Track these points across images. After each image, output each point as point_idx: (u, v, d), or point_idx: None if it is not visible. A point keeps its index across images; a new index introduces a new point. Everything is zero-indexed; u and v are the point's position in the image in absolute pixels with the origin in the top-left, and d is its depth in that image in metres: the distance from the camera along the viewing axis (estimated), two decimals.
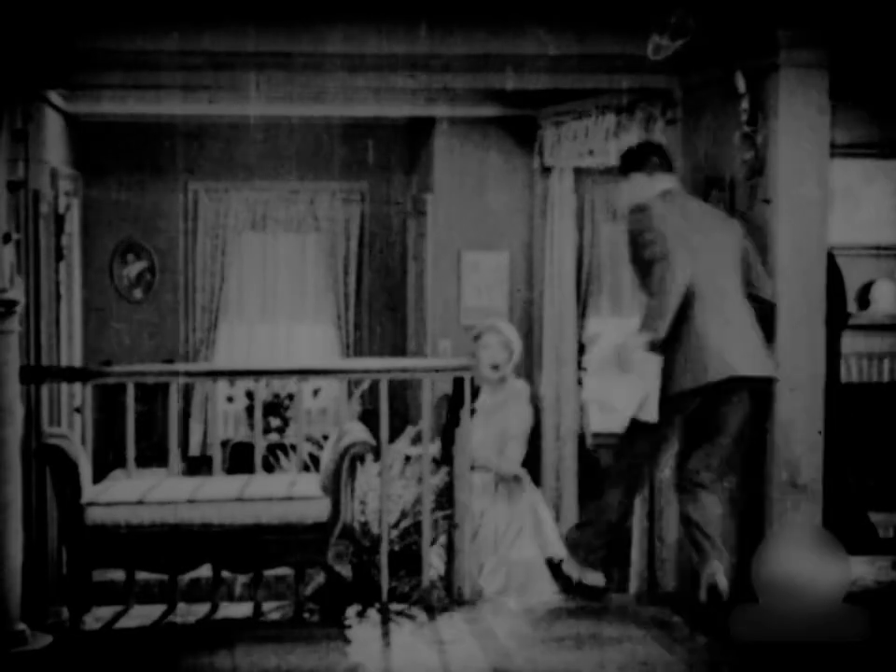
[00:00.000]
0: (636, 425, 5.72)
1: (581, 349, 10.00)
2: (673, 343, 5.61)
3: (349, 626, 5.49)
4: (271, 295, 11.13)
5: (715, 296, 5.66)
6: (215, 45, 6.37)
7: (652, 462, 6.03)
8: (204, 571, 5.67)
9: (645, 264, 5.56)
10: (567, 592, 5.91)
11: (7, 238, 5.16)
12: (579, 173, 9.66)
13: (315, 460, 6.53)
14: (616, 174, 6.07)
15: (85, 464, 5.49)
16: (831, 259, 6.18)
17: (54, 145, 8.72)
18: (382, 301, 11.11)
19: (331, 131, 10.83)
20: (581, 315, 10.16)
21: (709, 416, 5.70)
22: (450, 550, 5.94)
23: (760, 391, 5.81)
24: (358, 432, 5.62)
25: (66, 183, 9.11)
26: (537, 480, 9.62)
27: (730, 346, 5.62)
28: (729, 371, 5.58)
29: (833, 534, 5.07)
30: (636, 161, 5.93)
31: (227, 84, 7.39)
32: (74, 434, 5.89)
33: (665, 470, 7.16)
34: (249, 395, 9.96)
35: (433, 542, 6.16)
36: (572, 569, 5.86)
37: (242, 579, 6.63)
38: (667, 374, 5.65)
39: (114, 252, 10.85)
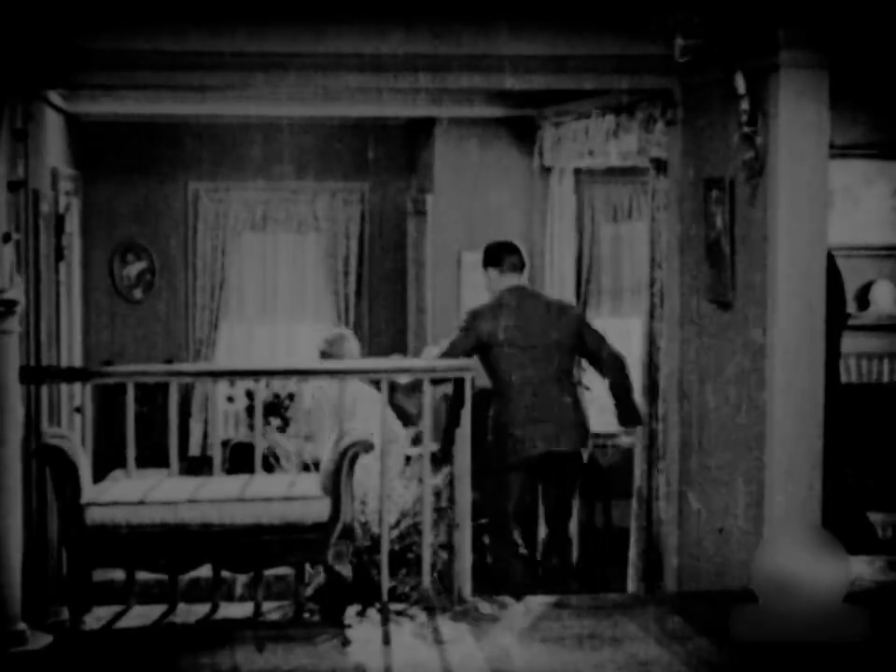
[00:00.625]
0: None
1: None
2: (494, 423, 6.95)
3: (349, 626, 5.49)
4: (271, 295, 11.12)
5: (536, 383, 6.90)
6: (215, 45, 6.38)
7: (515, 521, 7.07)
8: (204, 571, 5.68)
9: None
10: None
11: (7, 238, 5.17)
12: (579, 173, 9.66)
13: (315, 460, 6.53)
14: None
15: (85, 464, 5.49)
16: (830, 259, 6.19)
17: (54, 144, 8.72)
18: (382, 301, 11.11)
19: (331, 131, 10.83)
20: None
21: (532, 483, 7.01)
22: (450, 550, 5.94)
23: (574, 460, 7.09)
24: (359, 432, 5.62)
25: (66, 183, 9.11)
26: None
27: (544, 426, 6.91)
28: (543, 448, 6.90)
29: (832, 534, 5.07)
30: (492, 258, 7.18)
31: (228, 84, 7.39)
32: (74, 434, 5.89)
33: (664, 474, 7.17)
34: (249, 395, 9.95)
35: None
36: None
37: (242, 579, 6.62)
38: (494, 451, 6.95)
39: (114, 252, 10.84)
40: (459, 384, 5.88)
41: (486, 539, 7.00)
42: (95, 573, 5.52)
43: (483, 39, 6.49)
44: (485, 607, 5.79)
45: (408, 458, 6.64)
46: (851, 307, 8.37)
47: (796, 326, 5.92)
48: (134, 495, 5.44)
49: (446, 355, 6.87)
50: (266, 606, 5.79)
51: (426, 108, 9.59)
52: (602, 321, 10.49)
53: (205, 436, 10.68)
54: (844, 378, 8.08)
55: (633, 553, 7.60)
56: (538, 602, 5.91)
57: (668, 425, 7.12)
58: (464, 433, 5.84)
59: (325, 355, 8.13)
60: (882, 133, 8.60)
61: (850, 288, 8.23)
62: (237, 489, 5.54)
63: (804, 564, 4.92)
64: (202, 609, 5.76)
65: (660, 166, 7.27)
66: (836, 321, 6.61)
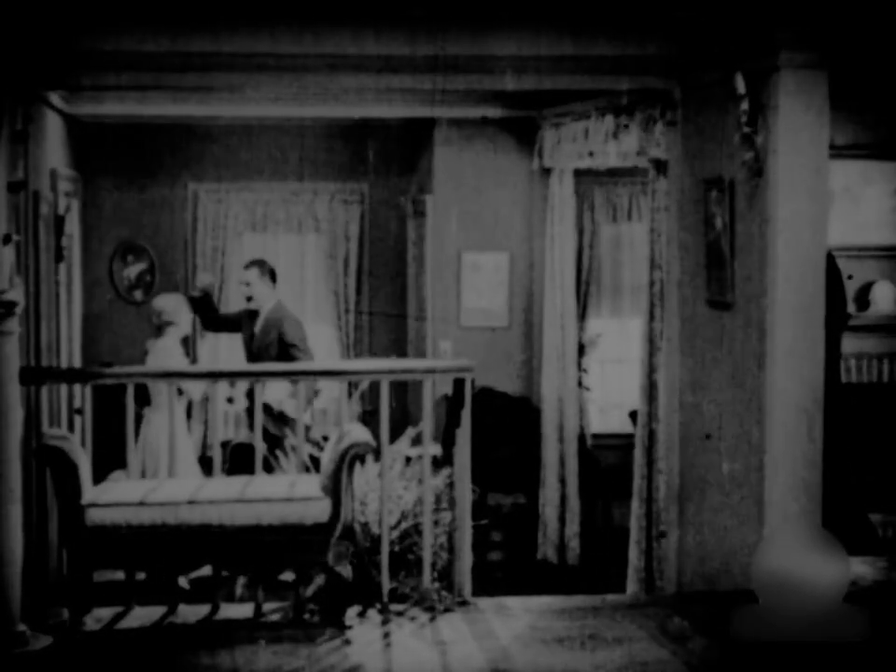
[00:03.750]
0: None
1: (582, 350, 10.02)
2: None
3: (349, 627, 5.49)
4: None
5: None
6: (215, 46, 6.37)
7: None
8: (205, 572, 5.68)
9: None
10: None
11: (7, 239, 5.17)
12: (578, 174, 9.66)
13: (316, 461, 6.53)
14: None
15: (85, 465, 5.49)
16: (830, 259, 6.18)
17: (54, 146, 8.72)
18: (382, 301, 11.11)
19: (331, 132, 10.83)
20: (581, 315, 10.17)
21: None
22: (451, 550, 5.94)
23: None
24: (359, 433, 5.62)
25: (66, 184, 9.11)
26: (537, 480, 9.66)
27: None
28: None
29: (832, 534, 5.07)
30: (273, 275, 8.94)
31: (227, 85, 7.39)
32: (74, 435, 5.89)
33: (663, 474, 7.17)
34: (249, 396, 9.95)
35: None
36: None
37: (242, 579, 6.63)
38: None
39: (114, 253, 10.84)
40: (459, 384, 5.88)
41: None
42: (96, 574, 5.52)
43: (483, 40, 6.49)
44: (486, 607, 5.79)
45: (408, 459, 6.64)
46: (851, 307, 8.37)
47: (796, 326, 5.92)
48: (135, 495, 5.44)
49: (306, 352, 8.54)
50: (266, 606, 5.78)
51: (425, 109, 9.59)
52: (602, 321, 10.52)
53: (205, 437, 10.67)
54: (844, 378, 8.08)
55: (633, 553, 7.59)
56: (538, 602, 5.91)
57: (668, 425, 7.12)
58: (464, 434, 5.84)
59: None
60: (882, 133, 8.59)
61: (850, 289, 8.23)
62: (237, 490, 5.54)
63: (804, 564, 4.92)
64: (202, 610, 5.76)
65: (660, 167, 7.27)
66: (836, 322, 6.61)
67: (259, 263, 9.03)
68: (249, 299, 8.98)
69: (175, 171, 10.85)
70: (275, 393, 8.35)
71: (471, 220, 10.00)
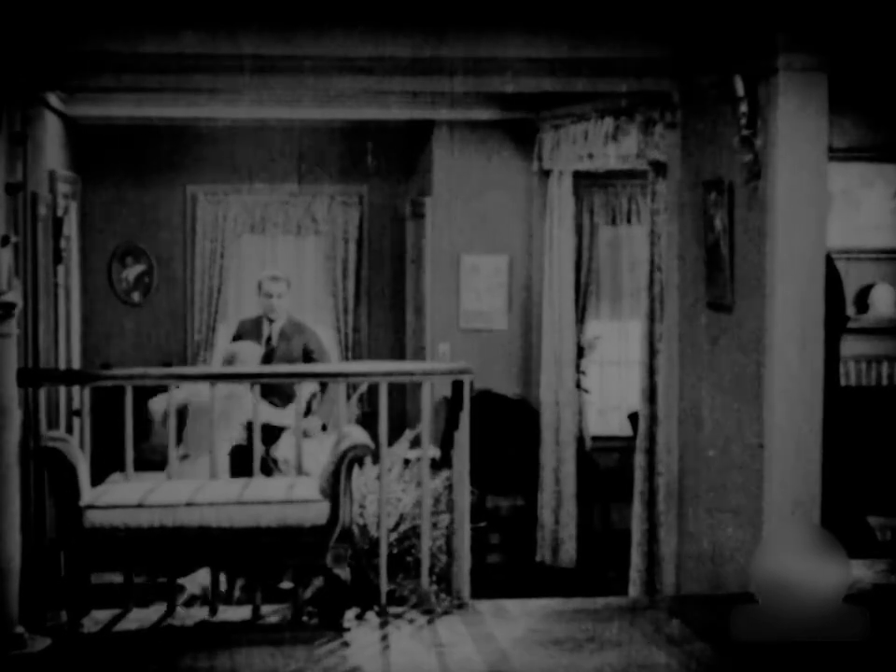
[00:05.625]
0: None
1: (581, 352, 10.02)
2: None
3: (348, 629, 5.49)
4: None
5: None
6: (213, 48, 6.37)
7: None
8: (203, 574, 5.67)
9: None
10: None
11: (5, 241, 5.16)
12: (578, 176, 9.67)
13: None
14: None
15: (83, 467, 5.48)
16: (829, 262, 6.18)
17: (53, 147, 8.72)
18: (381, 303, 11.10)
19: (330, 134, 10.83)
20: (580, 318, 10.17)
21: None
22: (449, 552, 5.94)
23: None
24: (357, 435, 5.61)
25: (65, 186, 9.11)
26: (536, 482, 9.65)
27: None
28: None
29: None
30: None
31: (226, 87, 7.39)
32: (72, 437, 5.88)
33: (663, 476, 7.17)
34: None
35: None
36: None
37: (240, 582, 6.61)
38: None
39: (112, 255, 10.84)
40: (458, 386, 5.88)
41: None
42: (94, 576, 5.51)
43: (483, 42, 6.48)
44: (484, 609, 5.78)
45: (407, 461, 6.63)
46: (850, 310, 8.37)
47: (795, 328, 5.92)
48: (133, 497, 5.43)
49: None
50: (265, 609, 5.78)
51: (425, 111, 9.60)
52: (601, 324, 10.52)
53: None
54: (843, 381, 8.08)
55: (635, 556, 7.58)
56: (536, 605, 5.90)
57: (667, 427, 7.12)
58: (463, 436, 5.83)
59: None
60: (881, 135, 8.59)
61: (850, 291, 8.23)
62: (236, 492, 5.53)
63: (803, 564, 4.91)
64: (200, 612, 5.75)
65: (659, 169, 7.27)
66: (835, 324, 6.61)
67: (285, 277, 8.91)
68: (271, 309, 8.79)
69: (174, 173, 10.85)
70: (285, 451, 8.22)
71: (470, 222, 10.00)
